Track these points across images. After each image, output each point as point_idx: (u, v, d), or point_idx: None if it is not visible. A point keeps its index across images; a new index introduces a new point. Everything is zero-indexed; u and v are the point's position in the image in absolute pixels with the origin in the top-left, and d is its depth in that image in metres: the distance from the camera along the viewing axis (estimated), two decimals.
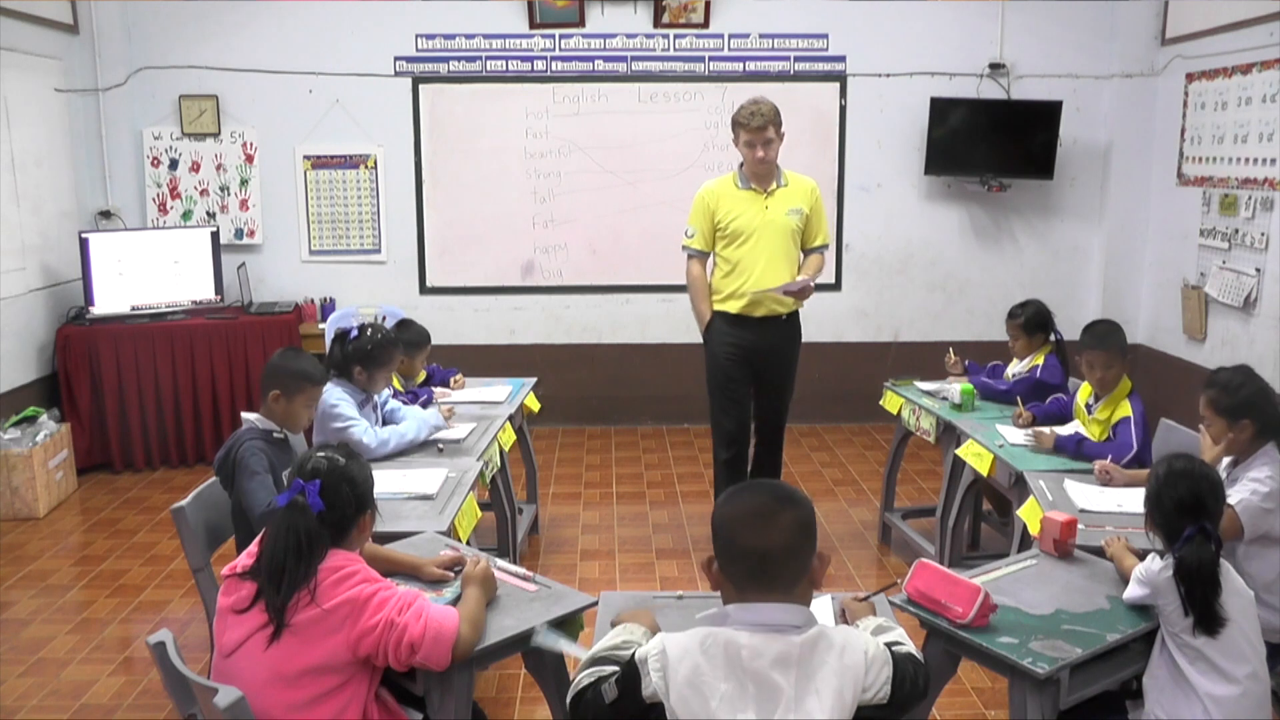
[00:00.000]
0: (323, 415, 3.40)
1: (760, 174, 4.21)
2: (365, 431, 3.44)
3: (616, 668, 1.78)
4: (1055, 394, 4.02)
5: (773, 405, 4.45)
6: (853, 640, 1.72)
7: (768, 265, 4.18)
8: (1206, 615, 2.22)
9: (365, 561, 2.37)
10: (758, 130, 4.07)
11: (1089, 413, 3.66)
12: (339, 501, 2.11)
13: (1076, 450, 3.45)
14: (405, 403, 3.98)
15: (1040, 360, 4.18)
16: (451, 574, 2.48)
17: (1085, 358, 3.58)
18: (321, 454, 2.18)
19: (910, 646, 1.89)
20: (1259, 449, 2.79)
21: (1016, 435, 3.73)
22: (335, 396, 3.44)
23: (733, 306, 4.25)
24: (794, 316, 4.37)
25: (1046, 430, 3.61)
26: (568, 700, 1.83)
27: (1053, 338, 4.24)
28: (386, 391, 3.84)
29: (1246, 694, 2.22)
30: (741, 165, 4.28)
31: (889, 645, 1.82)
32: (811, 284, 4.20)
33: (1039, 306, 4.28)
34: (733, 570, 1.75)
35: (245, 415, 3.02)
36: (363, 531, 2.21)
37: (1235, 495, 2.69)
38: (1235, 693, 2.21)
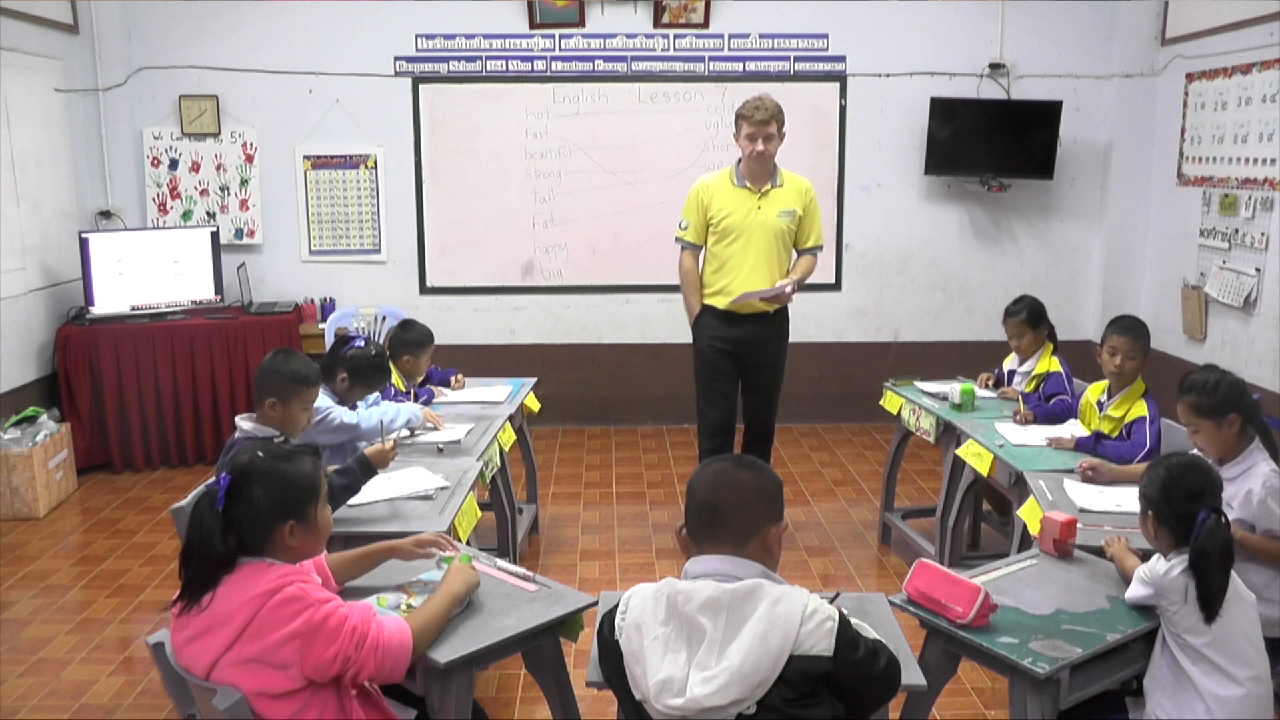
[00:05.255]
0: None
1: (756, 171, 4.21)
2: (344, 413, 3.41)
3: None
4: (1059, 395, 4.03)
5: (761, 402, 4.46)
6: (792, 595, 1.77)
7: (754, 266, 4.20)
8: (1216, 597, 2.23)
9: (334, 568, 2.32)
10: (761, 124, 4.08)
11: (1100, 410, 3.65)
12: (246, 503, 1.95)
13: (1095, 449, 3.46)
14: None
15: (1056, 367, 4.16)
16: (432, 555, 2.43)
17: (1109, 344, 3.58)
18: (259, 448, 2.03)
19: (875, 634, 1.90)
20: (1245, 446, 2.81)
21: (1017, 435, 3.73)
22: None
23: (720, 302, 4.28)
24: (782, 313, 4.38)
25: (1066, 435, 3.61)
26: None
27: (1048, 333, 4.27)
28: (374, 396, 3.83)
29: (1249, 695, 2.22)
30: (739, 162, 4.27)
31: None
32: (788, 289, 4.18)
33: (1032, 300, 4.29)
34: (693, 524, 1.92)
35: (240, 423, 2.93)
36: (290, 547, 2.00)
37: (1242, 508, 2.71)
38: (1239, 694, 2.21)
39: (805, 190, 4.30)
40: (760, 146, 4.10)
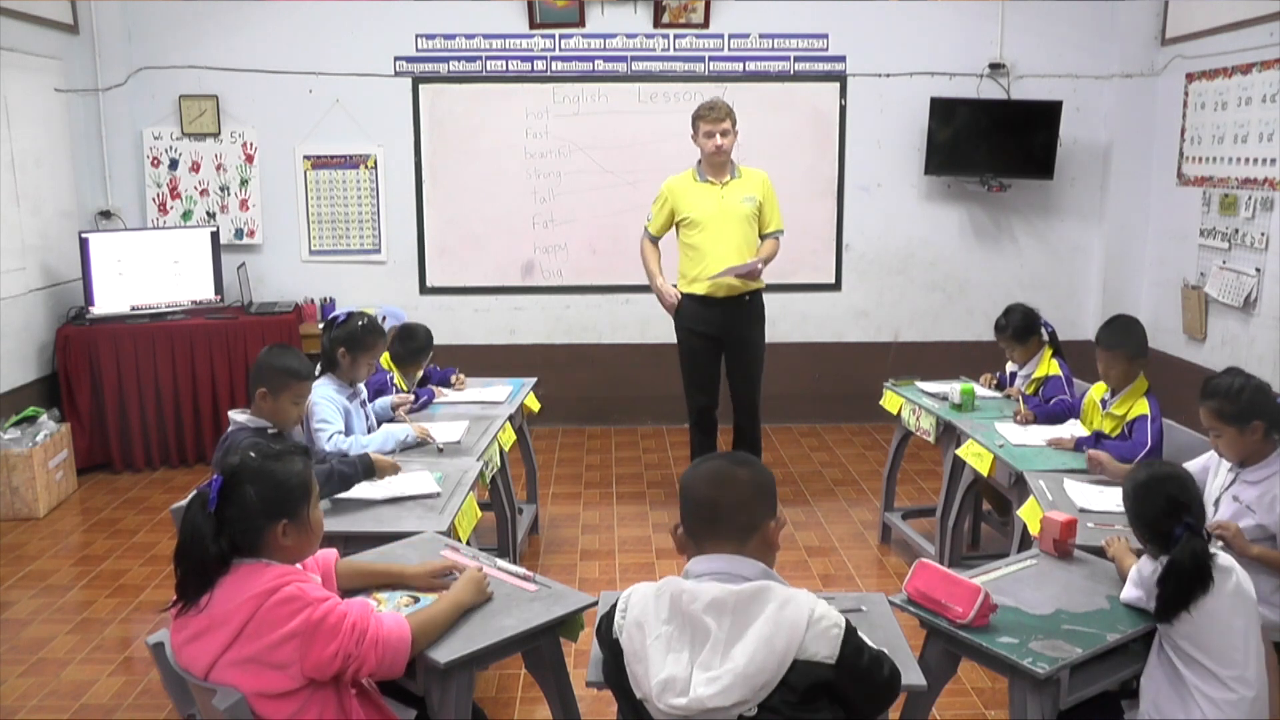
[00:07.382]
0: (306, 413, 3.38)
1: (716, 165, 4.64)
2: (330, 439, 3.41)
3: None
4: (1058, 397, 4.03)
5: (744, 380, 4.83)
6: (800, 598, 1.75)
7: (726, 249, 4.59)
8: (1175, 610, 2.22)
9: (340, 575, 2.30)
10: (716, 121, 4.54)
11: (1103, 408, 3.65)
12: (239, 503, 1.94)
13: (1095, 448, 3.44)
14: None
15: (1055, 370, 4.15)
16: (445, 584, 2.36)
17: (1099, 356, 3.58)
18: (250, 449, 2.04)
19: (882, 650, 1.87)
20: (1270, 450, 2.77)
21: (1017, 435, 3.73)
22: (320, 395, 3.45)
23: (699, 289, 4.68)
24: (756, 296, 4.76)
25: (1066, 435, 3.61)
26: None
27: (1045, 334, 4.25)
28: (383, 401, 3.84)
29: (1243, 699, 2.22)
30: (699, 162, 4.70)
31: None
32: (759, 265, 4.60)
33: (1023, 310, 4.27)
34: (691, 523, 1.90)
35: (233, 415, 3.00)
36: (283, 546, 1.99)
37: (1265, 513, 2.69)
38: (1233, 698, 2.21)
39: (763, 180, 4.72)
40: (719, 141, 4.54)
